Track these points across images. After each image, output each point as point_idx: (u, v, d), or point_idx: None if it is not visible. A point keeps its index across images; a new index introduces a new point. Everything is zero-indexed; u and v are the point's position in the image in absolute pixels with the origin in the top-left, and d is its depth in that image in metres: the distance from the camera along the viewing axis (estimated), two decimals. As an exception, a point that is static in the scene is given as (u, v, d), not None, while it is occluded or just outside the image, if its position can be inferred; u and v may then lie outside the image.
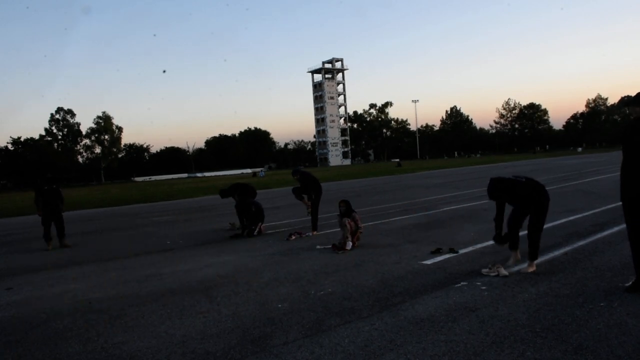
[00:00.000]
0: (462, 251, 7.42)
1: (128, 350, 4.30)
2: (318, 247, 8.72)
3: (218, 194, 12.43)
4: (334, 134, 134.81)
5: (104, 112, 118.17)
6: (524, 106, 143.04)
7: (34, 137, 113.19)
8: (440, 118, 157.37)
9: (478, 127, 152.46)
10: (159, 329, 4.80)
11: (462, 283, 5.64)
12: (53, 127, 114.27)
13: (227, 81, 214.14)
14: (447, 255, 7.20)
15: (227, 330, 4.61)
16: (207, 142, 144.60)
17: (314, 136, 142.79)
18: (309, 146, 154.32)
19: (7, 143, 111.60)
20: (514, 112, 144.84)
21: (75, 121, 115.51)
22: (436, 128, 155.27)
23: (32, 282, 7.70)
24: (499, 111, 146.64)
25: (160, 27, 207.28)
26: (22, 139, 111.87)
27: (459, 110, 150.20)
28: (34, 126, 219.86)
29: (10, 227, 18.70)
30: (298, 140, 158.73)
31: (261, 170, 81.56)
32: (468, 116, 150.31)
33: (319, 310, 5.00)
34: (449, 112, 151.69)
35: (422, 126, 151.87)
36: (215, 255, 8.83)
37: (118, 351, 4.30)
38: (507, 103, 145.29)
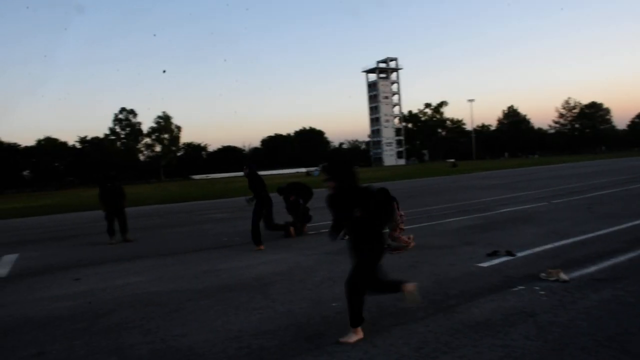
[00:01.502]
0: (519, 254, 7.22)
1: (186, 343, 4.44)
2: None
3: (276, 192, 12.64)
4: (388, 134, 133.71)
5: (164, 112, 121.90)
6: (585, 105, 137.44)
7: (98, 136, 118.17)
8: (497, 118, 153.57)
9: (536, 127, 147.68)
10: (216, 324, 4.93)
11: (519, 287, 5.50)
12: (116, 127, 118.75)
13: (286, 80, 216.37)
14: (504, 258, 7.03)
15: (282, 327, 4.68)
16: (263, 141, 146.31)
17: (368, 136, 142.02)
18: (363, 145, 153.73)
19: (75, 142, 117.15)
20: (574, 111, 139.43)
21: (136, 120, 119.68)
22: (492, 128, 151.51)
23: (97, 274, 8.06)
24: (558, 111, 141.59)
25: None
26: (88, 138, 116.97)
27: (516, 109, 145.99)
28: (99, 125, 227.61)
29: (77, 221, 19.62)
30: (352, 140, 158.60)
31: (315, 170, 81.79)
32: (525, 116, 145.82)
33: (373, 310, 4.98)
34: (505, 111, 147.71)
35: (477, 126, 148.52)
36: (270, 252, 8.97)
37: (177, 343, 4.45)
38: (567, 102, 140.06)
